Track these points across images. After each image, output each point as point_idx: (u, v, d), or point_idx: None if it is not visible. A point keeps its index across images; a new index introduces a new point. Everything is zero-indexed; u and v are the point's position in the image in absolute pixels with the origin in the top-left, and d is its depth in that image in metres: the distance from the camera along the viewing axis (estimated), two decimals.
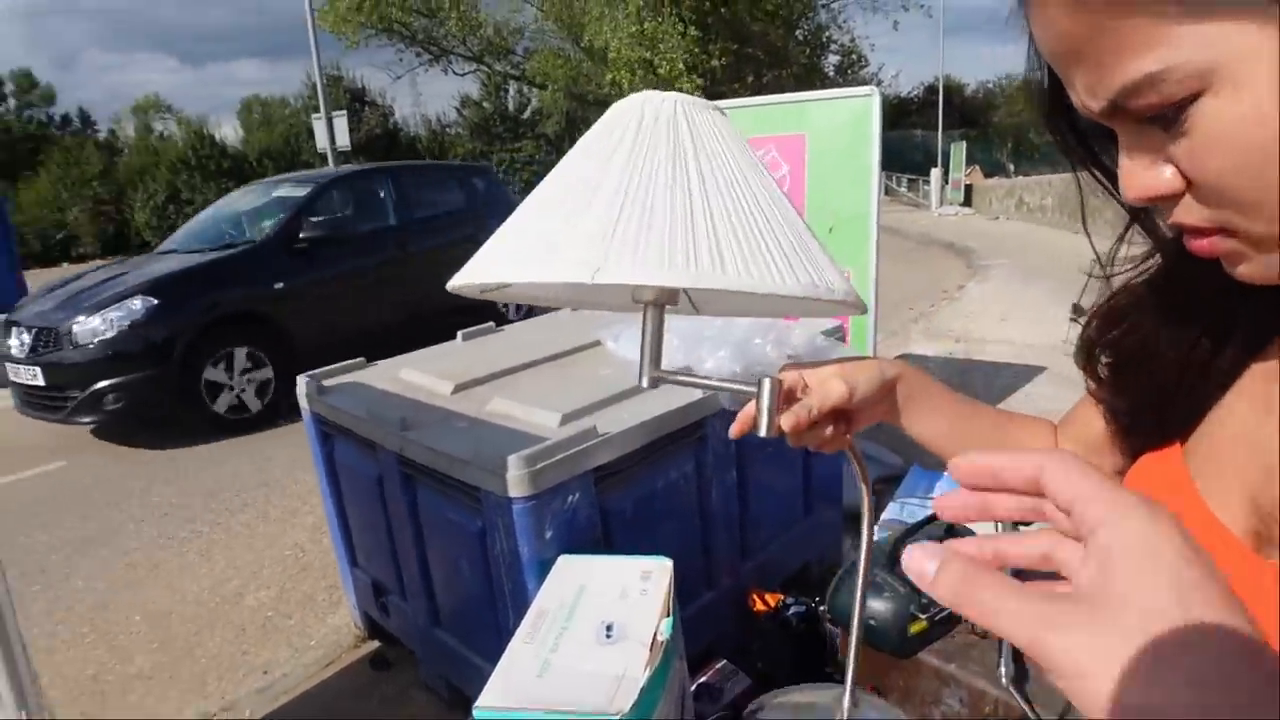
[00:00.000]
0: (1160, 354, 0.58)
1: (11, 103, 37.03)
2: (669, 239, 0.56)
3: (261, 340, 5.93)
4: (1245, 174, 0.40)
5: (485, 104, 26.18)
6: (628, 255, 0.55)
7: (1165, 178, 0.43)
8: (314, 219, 6.48)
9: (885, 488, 3.74)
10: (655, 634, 1.48)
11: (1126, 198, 0.46)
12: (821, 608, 2.36)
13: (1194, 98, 0.39)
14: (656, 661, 1.42)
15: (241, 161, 25.88)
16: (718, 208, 0.59)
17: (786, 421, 0.66)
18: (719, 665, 2.26)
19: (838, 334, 2.56)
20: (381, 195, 7.16)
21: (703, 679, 2.21)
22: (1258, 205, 0.40)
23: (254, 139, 27.76)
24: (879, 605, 1.85)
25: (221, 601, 3.42)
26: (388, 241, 6.94)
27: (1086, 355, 0.65)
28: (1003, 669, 1.67)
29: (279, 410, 5.84)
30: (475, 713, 1.37)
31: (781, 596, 2.34)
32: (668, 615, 1.56)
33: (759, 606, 2.36)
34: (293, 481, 4.68)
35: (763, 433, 0.67)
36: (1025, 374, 5.36)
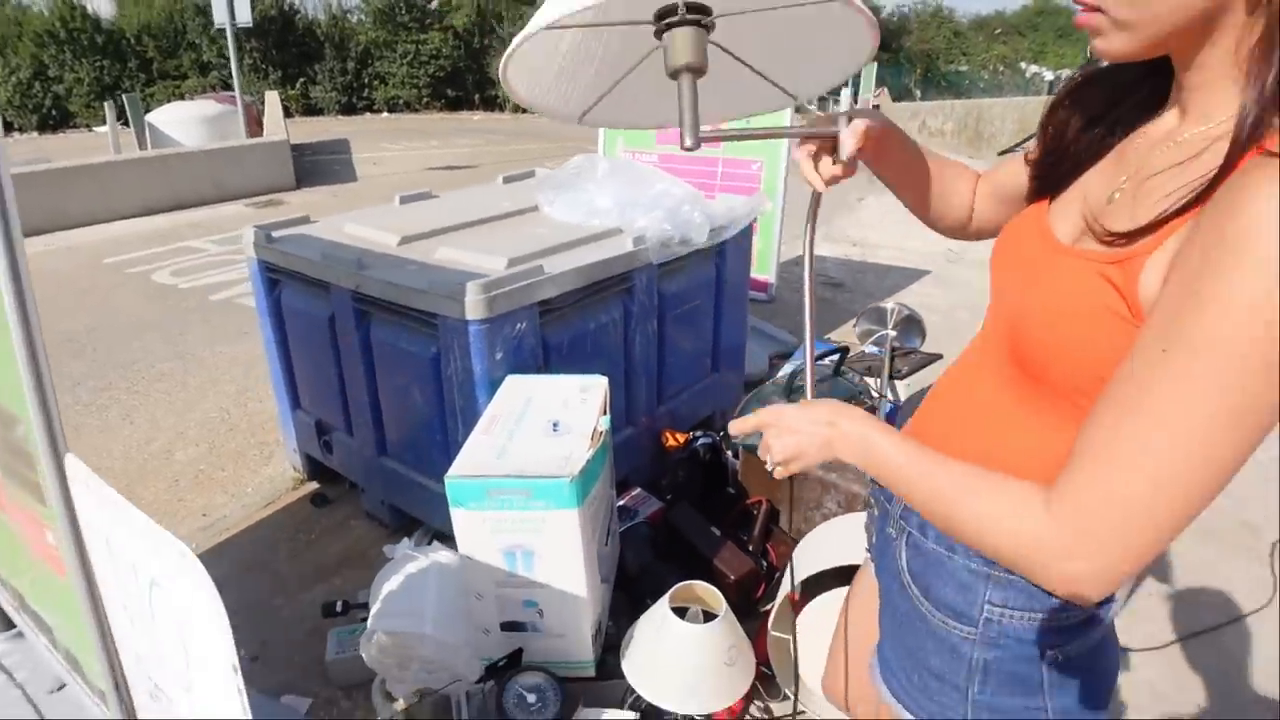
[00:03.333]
0: (1071, 127, 0.86)
1: None
2: None
3: None
4: None
5: None
6: None
7: None
8: None
9: (780, 362, 4.13)
10: (595, 427, 1.77)
11: None
12: (723, 435, 2.70)
13: None
14: (597, 446, 1.71)
15: (119, 38, 23.87)
16: None
17: (853, 136, 0.92)
18: (635, 491, 2.60)
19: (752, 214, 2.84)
20: None
21: (621, 502, 2.54)
22: None
23: (130, 14, 25.52)
24: None
25: (150, 458, 3.53)
26: None
27: (1046, 116, 0.92)
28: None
29: None
30: (446, 480, 1.63)
31: (691, 434, 2.67)
32: (604, 414, 1.85)
33: (670, 443, 2.69)
34: (210, 354, 4.72)
35: (847, 153, 0.91)
36: (913, 275, 5.83)
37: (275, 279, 2.58)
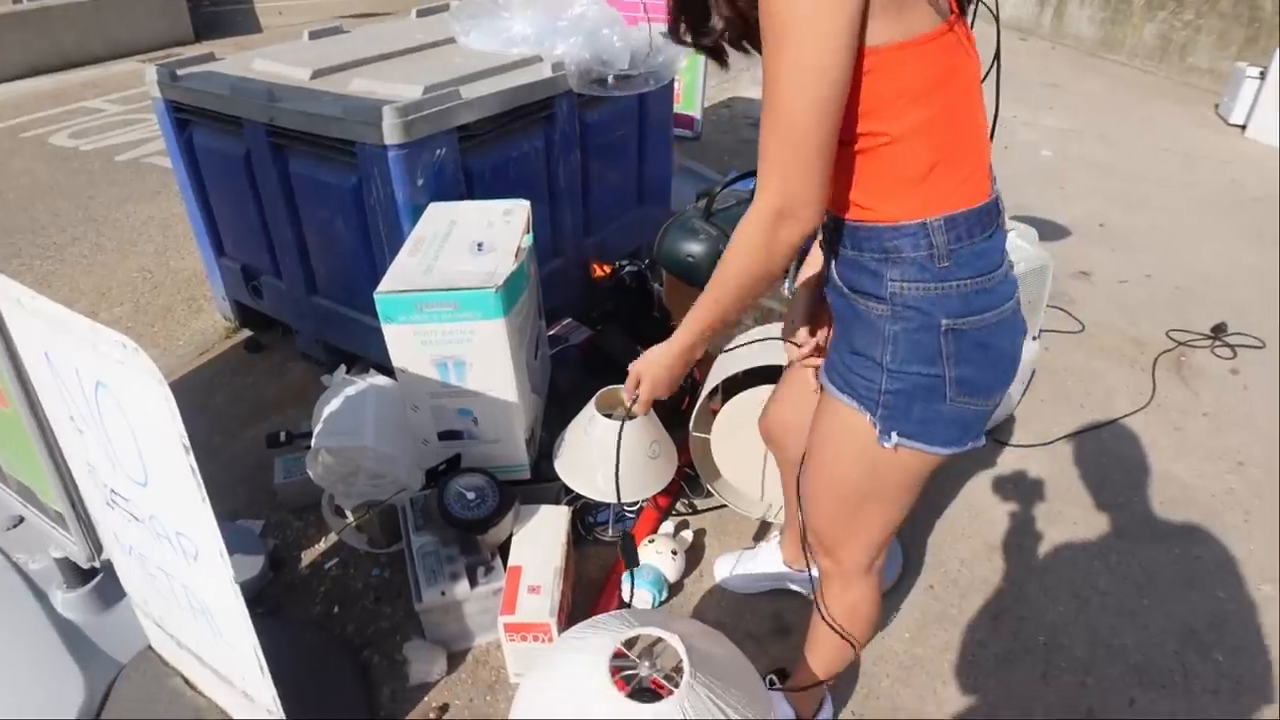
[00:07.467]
0: None
1: None
2: None
3: None
4: None
5: None
6: None
7: None
8: None
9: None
10: (519, 244, 1.83)
11: None
12: (649, 264, 2.78)
13: None
14: (521, 261, 1.78)
15: None
16: None
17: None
18: (565, 321, 2.69)
19: None
20: None
21: (552, 331, 2.64)
22: None
23: None
24: (695, 247, 2.28)
25: None
26: None
27: None
28: (786, 285, 2.16)
29: None
30: (376, 296, 1.69)
31: (617, 264, 2.75)
32: (527, 233, 1.91)
33: (598, 273, 2.77)
34: (123, 216, 4.56)
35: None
36: None
37: (184, 119, 2.50)
